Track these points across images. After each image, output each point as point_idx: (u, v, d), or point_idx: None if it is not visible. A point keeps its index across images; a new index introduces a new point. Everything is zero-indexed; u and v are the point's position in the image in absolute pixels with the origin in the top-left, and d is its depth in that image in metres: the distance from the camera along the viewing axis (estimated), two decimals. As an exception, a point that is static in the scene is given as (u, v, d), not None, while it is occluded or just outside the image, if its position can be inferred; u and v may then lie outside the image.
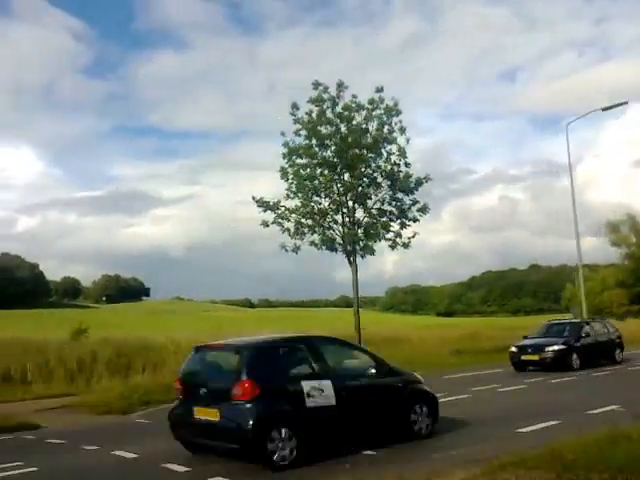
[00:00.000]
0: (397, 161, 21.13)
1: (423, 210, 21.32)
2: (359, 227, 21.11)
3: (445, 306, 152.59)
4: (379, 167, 21.23)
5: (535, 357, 18.58)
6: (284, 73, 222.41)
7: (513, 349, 19.45)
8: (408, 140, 21.29)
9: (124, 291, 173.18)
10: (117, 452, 8.46)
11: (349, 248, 20.86)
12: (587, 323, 21.09)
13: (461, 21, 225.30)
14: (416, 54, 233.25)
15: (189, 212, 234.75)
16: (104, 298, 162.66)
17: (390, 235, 21.13)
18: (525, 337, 20.41)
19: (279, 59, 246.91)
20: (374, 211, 21.37)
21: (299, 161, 20.85)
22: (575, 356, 18.53)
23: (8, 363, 17.22)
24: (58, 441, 9.74)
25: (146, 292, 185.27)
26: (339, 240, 21.00)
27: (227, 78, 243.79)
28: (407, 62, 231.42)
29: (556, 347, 18.47)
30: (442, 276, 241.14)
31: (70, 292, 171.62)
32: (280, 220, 20.82)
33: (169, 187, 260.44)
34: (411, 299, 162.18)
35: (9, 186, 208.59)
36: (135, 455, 8.29)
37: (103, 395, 13.94)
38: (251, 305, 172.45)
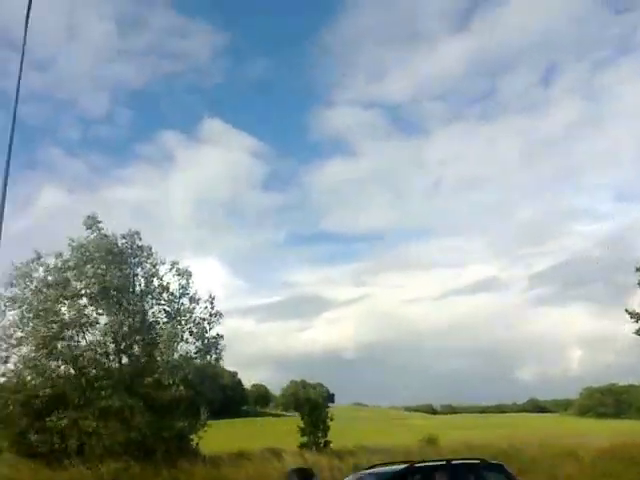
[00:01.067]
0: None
1: None
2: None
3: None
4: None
5: None
6: (450, 169, 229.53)
7: None
8: None
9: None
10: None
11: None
12: None
13: (631, 99, 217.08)
14: (584, 136, 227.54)
15: (360, 313, 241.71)
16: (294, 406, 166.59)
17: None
18: None
19: (443, 156, 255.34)
20: None
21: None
22: None
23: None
24: None
25: (331, 398, 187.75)
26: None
27: (395, 179, 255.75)
28: (575, 146, 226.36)
29: None
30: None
31: (260, 399, 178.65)
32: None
33: (341, 289, 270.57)
34: (610, 400, 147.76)
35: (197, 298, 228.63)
36: None
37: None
38: (433, 411, 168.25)
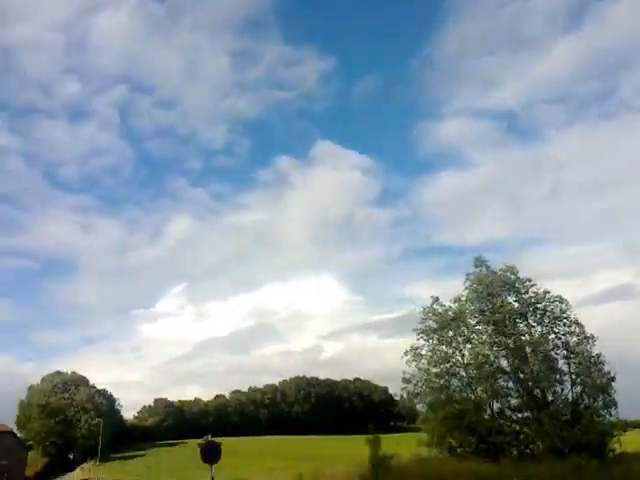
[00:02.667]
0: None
1: None
2: None
3: None
4: None
5: None
6: (569, 173, 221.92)
7: None
8: None
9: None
10: None
11: None
12: None
13: None
14: None
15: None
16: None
17: None
18: None
19: (562, 160, 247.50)
20: None
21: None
22: None
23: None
24: None
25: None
26: None
27: (510, 188, 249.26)
28: None
29: None
30: None
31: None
32: None
33: None
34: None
35: (316, 315, 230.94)
36: None
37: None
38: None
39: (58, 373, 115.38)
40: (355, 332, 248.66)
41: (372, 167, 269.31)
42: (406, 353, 27.13)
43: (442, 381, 26.87)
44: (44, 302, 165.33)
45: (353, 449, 74.43)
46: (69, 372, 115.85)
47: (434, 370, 26.81)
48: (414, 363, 26.95)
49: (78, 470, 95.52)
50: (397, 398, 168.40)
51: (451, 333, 26.77)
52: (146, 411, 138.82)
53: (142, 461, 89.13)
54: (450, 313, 27.24)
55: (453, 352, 26.79)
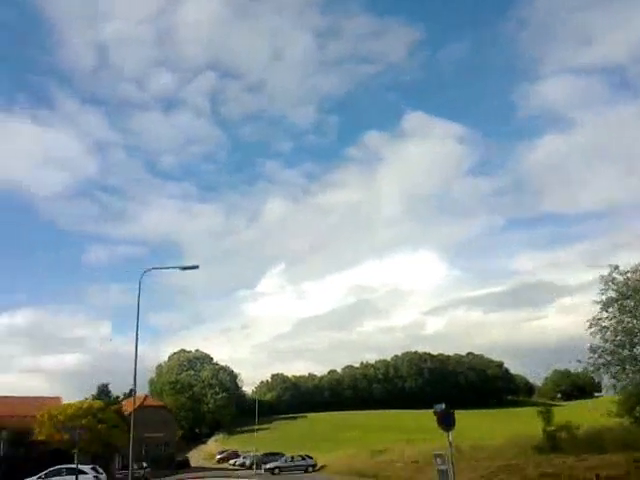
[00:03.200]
0: None
1: None
2: None
3: None
4: None
5: None
6: None
7: None
8: None
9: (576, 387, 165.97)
10: None
11: None
12: None
13: None
14: None
15: (598, 298, 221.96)
16: (559, 395, 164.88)
17: None
18: None
19: None
20: None
21: None
22: None
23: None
24: None
25: (597, 388, 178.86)
26: None
27: (623, 148, 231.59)
28: None
29: None
30: None
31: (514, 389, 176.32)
32: None
33: (572, 273, 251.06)
34: None
35: (416, 291, 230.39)
36: None
37: None
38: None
39: (183, 351, 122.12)
40: (458, 307, 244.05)
41: (467, 135, 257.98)
42: (590, 326, 26.24)
43: (626, 352, 25.77)
44: (155, 286, 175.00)
45: (482, 423, 73.73)
46: (193, 350, 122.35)
47: (617, 340, 25.74)
48: (598, 335, 25.98)
49: (211, 442, 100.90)
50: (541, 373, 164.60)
51: (632, 303, 25.47)
52: (264, 386, 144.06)
53: (268, 434, 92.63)
54: (630, 283, 25.87)
55: (636, 322, 25.56)
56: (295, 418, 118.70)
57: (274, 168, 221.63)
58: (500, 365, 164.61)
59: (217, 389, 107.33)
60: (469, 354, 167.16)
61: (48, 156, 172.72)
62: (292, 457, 55.19)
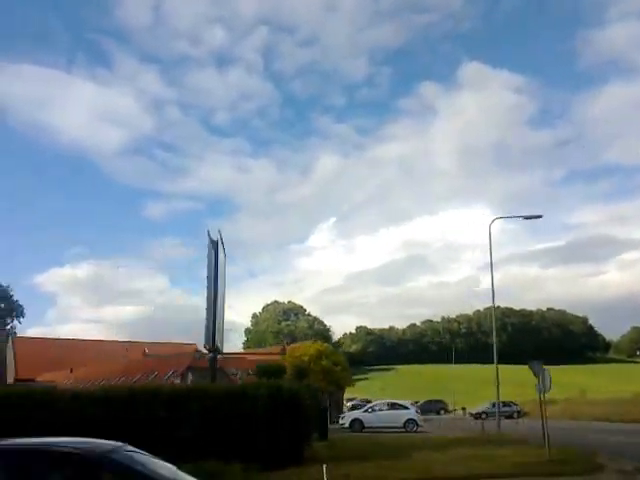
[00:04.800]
0: None
1: None
2: None
3: None
4: None
5: None
6: None
7: None
8: None
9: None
10: None
11: None
12: None
13: None
14: None
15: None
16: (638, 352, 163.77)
17: None
18: None
19: None
20: None
21: None
22: None
23: None
24: None
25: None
26: None
27: None
28: None
29: None
30: None
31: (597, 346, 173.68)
32: None
33: (636, 228, 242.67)
34: None
35: (470, 246, 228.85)
36: None
37: None
38: None
39: (276, 302, 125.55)
40: (513, 262, 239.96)
41: (526, 85, 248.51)
42: None
43: None
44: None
45: (590, 380, 73.31)
46: (286, 302, 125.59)
47: None
48: None
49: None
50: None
51: None
52: (348, 338, 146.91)
53: (369, 383, 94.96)
54: None
55: None
56: (386, 370, 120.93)
57: (326, 123, 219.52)
58: (585, 321, 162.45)
59: (314, 339, 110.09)
60: (549, 309, 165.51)
61: (107, 114, 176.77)
62: (494, 404, 55.84)
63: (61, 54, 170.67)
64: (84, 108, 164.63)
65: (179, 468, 5.10)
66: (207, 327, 14.64)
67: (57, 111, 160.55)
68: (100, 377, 51.93)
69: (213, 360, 16.50)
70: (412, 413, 33.60)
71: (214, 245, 17.11)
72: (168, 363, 48.26)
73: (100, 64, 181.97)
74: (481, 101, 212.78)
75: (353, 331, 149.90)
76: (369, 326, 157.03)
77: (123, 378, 45.88)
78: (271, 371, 23.47)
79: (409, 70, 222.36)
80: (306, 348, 42.75)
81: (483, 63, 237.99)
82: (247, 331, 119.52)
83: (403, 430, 30.83)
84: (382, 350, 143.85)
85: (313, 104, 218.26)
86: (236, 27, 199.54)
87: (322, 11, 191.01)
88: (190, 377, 36.22)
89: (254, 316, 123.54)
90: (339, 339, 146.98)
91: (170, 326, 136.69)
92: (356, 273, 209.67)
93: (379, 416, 32.34)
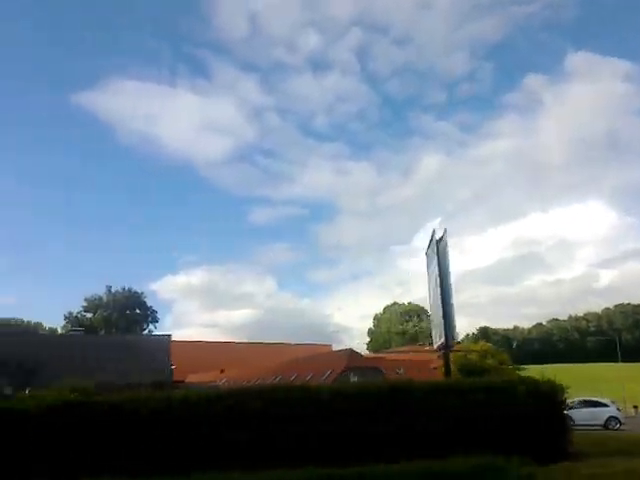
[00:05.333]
0: None
1: None
2: None
3: None
4: None
5: None
6: None
7: None
8: None
9: None
10: None
11: None
12: None
13: None
14: None
15: None
16: None
17: None
18: None
19: None
20: None
21: None
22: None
23: None
24: None
25: None
26: None
27: None
28: None
29: None
30: None
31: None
32: None
33: None
34: None
35: (586, 242, 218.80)
36: None
37: None
38: None
39: (396, 304, 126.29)
40: (633, 258, 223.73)
41: (637, 72, 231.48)
42: None
43: None
44: (314, 243, 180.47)
45: None
46: (406, 303, 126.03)
47: None
48: None
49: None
50: None
51: None
52: (470, 339, 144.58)
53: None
54: None
55: None
56: (517, 370, 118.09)
57: (427, 121, 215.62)
58: None
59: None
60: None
61: (210, 123, 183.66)
62: None
63: (164, 69, 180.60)
64: (188, 119, 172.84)
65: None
66: (433, 324, 15.63)
67: (162, 124, 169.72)
68: (253, 377, 55.27)
69: (446, 356, 17.68)
70: (613, 410, 33.81)
71: (438, 243, 18.24)
72: (319, 363, 50.51)
73: (201, 76, 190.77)
74: (589, 91, 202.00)
75: (474, 331, 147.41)
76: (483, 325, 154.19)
77: (279, 377, 48.63)
78: (475, 370, 24.30)
79: (512, 63, 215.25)
80: (470, 346, 43.39)
81: (590, 52, 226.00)
82: (369, 332, 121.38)
83: (602, 428, 30.53)
84: (508, 350, 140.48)
85: (412, 103, 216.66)
86: (329, 30, 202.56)
87: (416, 8, 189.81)
88: (352, 376, 37.87)
89: (375, 317, 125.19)
90: (462, 340, 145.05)
91: (280, 328, 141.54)
92: (465, 273, 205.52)
93: (581, 413, 31.43)
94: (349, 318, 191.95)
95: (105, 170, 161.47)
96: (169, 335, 45.35)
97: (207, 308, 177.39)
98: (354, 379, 35.95)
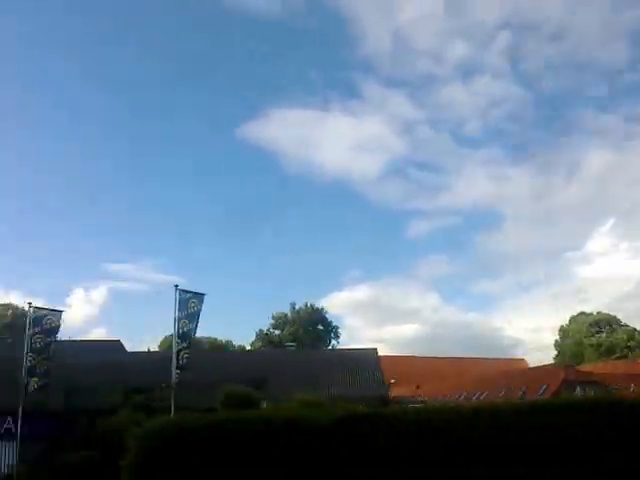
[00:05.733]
0: None
1: None
2: None
3: None
4: None
5: None
6: None
7: None
8: None
9: None
10: None
11: None
12: None
13: None
14: None
15: None
16: None
17: None
18: None
19: None
20: None
21: None
22: None
23: None
24: None
25: None
26: None
27: None
28: None
29: None
30: None
31: None
32: None
33: None
34: None
35: None
36: None
37: None
38: None
39: (583, 314, 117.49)
40: None
41: None
42: None
43: None
44: (473, 254, 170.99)
45: None
46: (595, 313, 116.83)
47: None
48: None
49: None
50: None
51: None
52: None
53: None
54: None
55: None
56: None
57: (588, 116, 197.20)
58: None
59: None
60: None
61: (363, 143, 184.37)
62: None
63: (317, 95, 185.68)
64: (342, 141, 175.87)
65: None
66: None
67: (319, 148, 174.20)
68: (454, 392, 54.09)
69: None
70: None
71: None
72: (526, 378, 48.23)
73: (351, 97, 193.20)
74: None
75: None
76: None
77: (486, 393, 47.07)
78: None
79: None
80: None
81: None
82: (556, 344, 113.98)
83: None
84: None
85: (569, 99, 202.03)
86: (477, 36, 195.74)
87: (568, 2, 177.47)
88: (578, 390, 35.61)
89: (561, 329, 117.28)
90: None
91: (450, 343, 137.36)
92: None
93: None
94: (520, 330, 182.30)
95: (282, 199, 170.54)
96: (375, 349, 44.48)
97: (373, 323, 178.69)
98: (581, 393, 33.66)
